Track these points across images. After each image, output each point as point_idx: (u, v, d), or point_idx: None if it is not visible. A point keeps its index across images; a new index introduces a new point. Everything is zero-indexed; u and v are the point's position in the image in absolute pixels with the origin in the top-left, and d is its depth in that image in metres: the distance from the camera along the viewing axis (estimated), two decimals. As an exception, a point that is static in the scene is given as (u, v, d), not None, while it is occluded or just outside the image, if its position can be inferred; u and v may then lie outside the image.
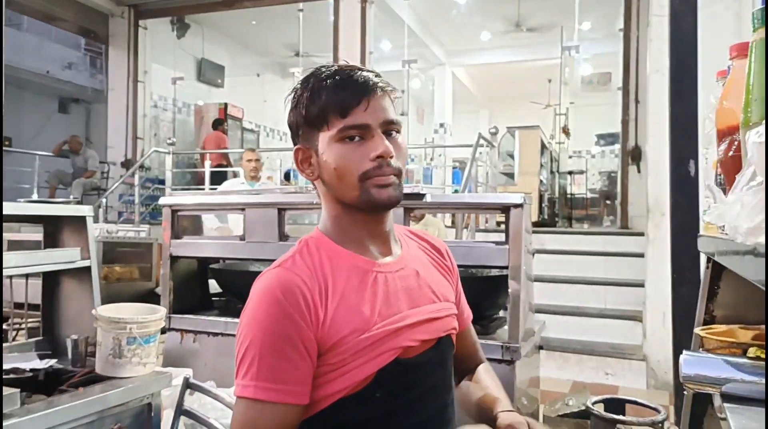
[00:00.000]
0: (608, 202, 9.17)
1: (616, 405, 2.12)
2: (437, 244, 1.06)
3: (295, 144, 0.94)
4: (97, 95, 11.23)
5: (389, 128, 0.88)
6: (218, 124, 8.69)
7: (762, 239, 0.43)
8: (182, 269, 2.56)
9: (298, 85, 0.92)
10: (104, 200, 6.84)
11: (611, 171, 9.58)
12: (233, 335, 0.86)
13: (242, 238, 2.36)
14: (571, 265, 5.25)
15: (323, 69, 0.90)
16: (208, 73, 9.87)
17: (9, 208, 1.84)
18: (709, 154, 1.05)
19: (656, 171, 4.15)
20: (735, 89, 0.79)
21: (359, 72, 0.88)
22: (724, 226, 0.53)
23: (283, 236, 2.28)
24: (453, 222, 5.01)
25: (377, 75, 0.90)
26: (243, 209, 2.39)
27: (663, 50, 3.71)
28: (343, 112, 0.85)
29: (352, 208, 0.90)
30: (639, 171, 5.95)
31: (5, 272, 1.57)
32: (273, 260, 0.91)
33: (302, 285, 0.83)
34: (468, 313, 1.10)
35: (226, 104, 9.34)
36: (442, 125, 11.32)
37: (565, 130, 9.66)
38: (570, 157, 11.26)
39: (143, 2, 8.10)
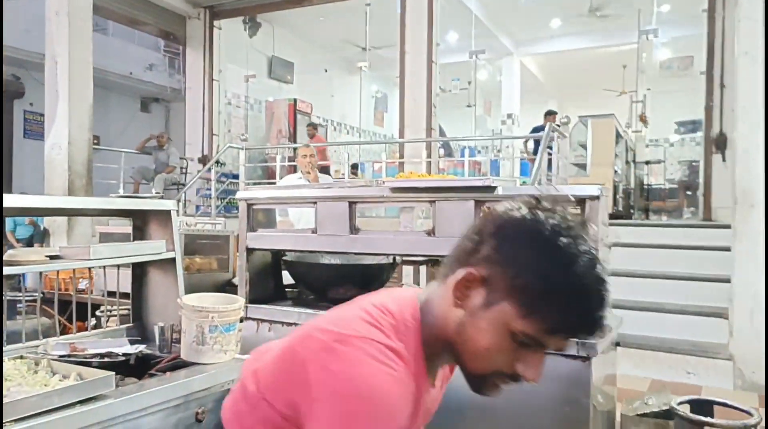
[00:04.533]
0: (689, 192, 8.70)
1: (702, 406, 2.01)
2: None
3: (466, 260, 0.78)
4: (175, 94, 11.79)
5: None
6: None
7: None
8: (257, 261, 2.64)
9: (565, 253, 0.72)
10: (183, 194, 7.16)
11: (692, 160, 9.08)
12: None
13: (314, 230, 2.41)
14: (649, 258, 5.02)
15: (593, 273, 0.72)
16: (279, 70, 10.12)
17: (102, 203, 1.96)
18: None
19: (746, 160, 3.89)
20: None
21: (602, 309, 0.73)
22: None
23: (354, 229, 2.31)
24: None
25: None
26: (315, 203, 2.44)
27: (754, 31, 3.48)
28: (553, 332, 0.72)
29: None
30: (724, 160, 5.60)
31: (98, 263, 1.68)
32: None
33: (408, 399, 0.78)
34: None
35: (295, 100, 9.55)
36: (509, 116, 11.10)
37: (642, 118, 9.22)
38: (647, 146, 10.75)
39: (218, 3, 8.40)
